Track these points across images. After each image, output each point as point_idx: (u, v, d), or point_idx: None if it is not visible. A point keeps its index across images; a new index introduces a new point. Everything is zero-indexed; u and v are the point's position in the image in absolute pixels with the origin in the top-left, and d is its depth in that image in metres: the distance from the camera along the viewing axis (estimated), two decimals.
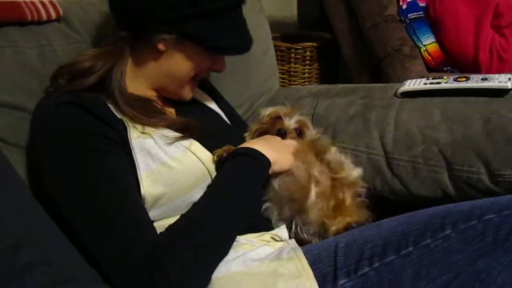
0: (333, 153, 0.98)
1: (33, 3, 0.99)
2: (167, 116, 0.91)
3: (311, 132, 1.01)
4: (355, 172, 0.97)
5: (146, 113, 0.87)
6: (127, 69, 0.91)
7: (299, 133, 1.00)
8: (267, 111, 1.04)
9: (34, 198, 0.76)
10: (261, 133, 1.00)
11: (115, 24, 0.92)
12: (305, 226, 0.90)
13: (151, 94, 0.95)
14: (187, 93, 0.97)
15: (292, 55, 1.94)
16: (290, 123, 0.99)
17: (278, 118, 1.00)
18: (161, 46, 0.88)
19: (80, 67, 0.87)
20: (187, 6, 0.84)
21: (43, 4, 1.00)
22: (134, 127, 0.84)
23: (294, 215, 0.91)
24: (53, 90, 0.86)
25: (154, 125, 0.86)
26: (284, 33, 2.10)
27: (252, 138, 1.00)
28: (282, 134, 0.97)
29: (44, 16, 1.00)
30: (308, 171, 0.92)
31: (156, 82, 0.94)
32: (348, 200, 0.93)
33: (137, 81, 0.93)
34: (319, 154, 0.97)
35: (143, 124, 0.85)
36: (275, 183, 0.91)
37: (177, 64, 0.91)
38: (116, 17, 0.92)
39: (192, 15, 0.85)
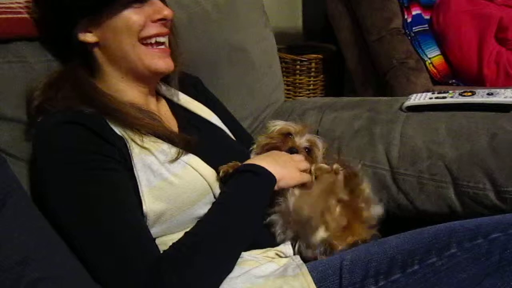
0: (366, 191, 0.95)
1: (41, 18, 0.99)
2: (160, 122, 0.90)
3: (321, 152, 1.00)
4: (377, 211, 0.95)
5: (138, 114, 0.86)
6: (96, 77, 0.90)
7: (308, 151, 0.99)
8: (276, 126, 1.03)
9: (41, 215, 0.77)
10: (270, 148, 0.98)
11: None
12: (309, 248, 0.89)
13: (138, 95, 0.93)
14: (155, 63, 0.89)
15: (298, 66, 1.95)
16: (301, 141, 0.98)
17: (288, 134, 0.99)
18: (90, 38, 0.87)
19: (47, 86, 0.88)
20: None
21: (55, 19, 1.01)
22: (134, 142, 0.84)
23: (299, 236, 0.90)
24: (51, 108, 0.86)
25: (146, 127, 0.85)
26: (289, 45, 2.11)
27: (261, 152, 0.99)
28: (294, 153, 0.96)
29: (57, 32, 1.01)
30: (323, 203, 0.89)
31: (124, 73, 0.90)
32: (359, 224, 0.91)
33: (114, 84, 0.91)
34: (353, 191, 0.94)
35: (136, 126, 0.84)
36: (283, 202, 0.90)
37: (114, 42, 0.87)
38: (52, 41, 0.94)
39: None
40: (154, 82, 0.97)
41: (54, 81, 0.88)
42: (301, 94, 1.99)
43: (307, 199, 0.90)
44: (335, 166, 0.96)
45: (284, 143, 0.97)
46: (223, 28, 1.36)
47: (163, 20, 0.88)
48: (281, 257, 0.86)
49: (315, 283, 0.77)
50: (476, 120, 1.07)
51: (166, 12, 0.88)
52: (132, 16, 0.86)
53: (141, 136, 0.84)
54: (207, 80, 1.22)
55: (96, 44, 0.88)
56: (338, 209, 0.90)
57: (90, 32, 0.87)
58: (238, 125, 1.21)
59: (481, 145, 1.02)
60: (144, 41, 0.88)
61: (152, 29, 0.88)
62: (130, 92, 0.92)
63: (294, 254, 0.88)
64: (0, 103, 0.89)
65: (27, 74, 0.94)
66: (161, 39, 0.90)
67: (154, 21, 0.88)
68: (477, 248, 0.74)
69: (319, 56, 1.95)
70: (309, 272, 0.78)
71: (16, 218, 0.70)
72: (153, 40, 0.89)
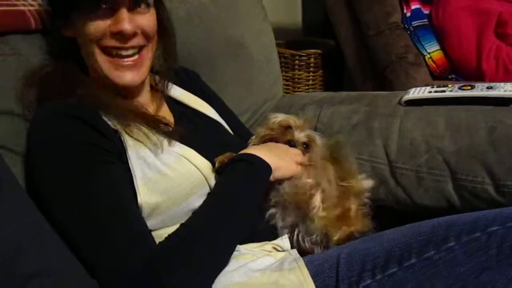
0: (350, 159, 0.97)
1: (37, 11, 0.99)
2: (148, 112, 0.89)
3: (318, 149, 1.00)
4: (366, 183, 0.96)
5: (128, 105, 0.86)
6: (89, 70, 0.90)
7: (306, 147, 0.98)
8: (277, 118, 1.02)
9: (36, 207, 0.76)
10: (269, 139, 0.98)
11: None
12: (308, 234, 0.90)
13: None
14: (117, 75, 0.85)
15: (296, 62, 1.94)
16: (300, 135, 0.98)
17: (288, 128, 0.99)
18: (68, 33, 0.87)
19: (35, 78, 0.88)
20: None
21: (47, 12, 1.01)
22: (128, 134, 0.83)
23: (298, 223, 0.90)
24: (44, 101, 0.86)
25: (138, 120, 0.85)
26: (288, 40, 2.10)
27: (259, 143, 0.99)
28: (292, 146, 0.95)
29: (49, 24, 1.00)
30: (316, 180, 0.91)
31: (96, 75, 0.88)
32: (354, 209, 0.92)
33: (101, 78, 0.89)
34: (336, 160, 0.96)
35: (131, 120, 0.84)
36: (280, 190, 0.90)
37: (81, 43, 0.86)
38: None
39: None
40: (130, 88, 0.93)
41: (48, 74, 0.87)
42: (300, 89, 1.98)
43: (300, 180, 0.91)
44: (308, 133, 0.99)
45: (282, 135, 0.97)
46: (221, 22, 1.36)
47: (121, 34, 0.83)
48: (278, 250, 0.86)
49: (312, 277, 0.76)
50: (475, 114, 1.07)
51: (123, 27, 0.82)
52: (90, 25, 0.82)
53: (133, 128, 0.84)
54: (205, 74, 1.22)
55: (75, 39, 0.87)
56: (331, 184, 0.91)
57: (69, 26, 0.86)
58: (236, 120, 1.21)
59: (480, 139, 1.01)
60: (103, 50, 0.84)
61: (110, 41, 0.83)
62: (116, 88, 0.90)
63: (292, 248, 0.88)
64: None
65: (22, 68, 0.93)
66: (123, 52, 0.85)
67: (113, 34, 0.83)
68: (475, 241, 0.74)
69: (318, 51, 1.95)
70: (306, 265, 0.78)
71: (9, 210, 0.69)
72: (113, 52, 0.85)
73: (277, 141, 0.96)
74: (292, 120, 1.00)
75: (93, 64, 0.86)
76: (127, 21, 0.82)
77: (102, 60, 0.85)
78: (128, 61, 0.86)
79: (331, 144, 0.99)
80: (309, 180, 0.90)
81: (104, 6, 0.82)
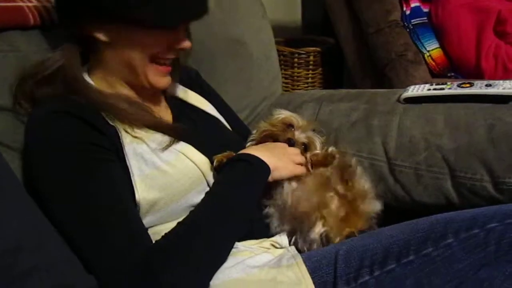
0: (362, 181, 0.95)
1: (36, 7, 0.99)
2: (151, 114, 0.89)
3: (317, 151, 0.98)
4: (375, 206, 0.94)
5: (127, 107, 0.85)
6: (93, 70, 0.89)
7: (304, 148, 0.97)
8: (281, 115, 1.02)
9: (34, 203, 0.76)
10: (269, 135, 0.98)
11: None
12: (307, 243, 0.89)
13: (132, 94, 0.92)
14: (157, 81, 0.89)
15: (296, 59, 1.94)
16: (301, 136, 0.97)
17: (290, 126, 0.98)
18: (102, 37, 0.84)
19: (33, 74, 0.86)
20: None
21: (46, 8, 1.00)
22: (126, 131, 0.83)
23: (297, 230, 0.89)
24: (42, 98, 0.85)
25: (136, 119, 0.84)
26: (287, 38, 2.10)
27: (259, 137, 0.99)
28: (291, 144, 0.95)
29: (47, 20, 1.00)
30: (320, 197, 0.89)
31: (122, 77, 0.90)
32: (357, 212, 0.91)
33: (109, 81, 0.90)
34: (346, 178, 0.93)
35: (128, 120, 0.84)
36: (280, 193, 0.90)
37: (126, 52, 0.85)
38: (60, 18, 0.90)
39: None
40: (149, 91, 0.95)
41: (48, 71, 0.86)
42: (299, 87, 1.98)
43: (303, 193, 0.90)
44: (330, 149, 0.96)
45: (283, 133, 0.96)
46: (220, 20, 1.35)
47: (182, 50, 0.89)
48: (276, 247, 0.86)
49: (310, 273, 0.76)
50: (474, 111, 1.07)
51: (186, 44, 0.88)
52: (156, 40, 0.85)
53: (132, 127, 0.84)
54: (204, 71, 1.21)
55: (106, 43, 0.85)
56: (335, 202, 0.90)
57: (105, 31, 0.83)
58: (235, 116, 1.20)
59: (479, 136, 1.01)
60: (153, 59, 0.87)
61: (167, 55, 0.88)
62: (123, 89, 0.91)
63: (290, 245, 0.87)
64: None
65: (20, 64, 0.93)
66: (167, 62, 0.90)
67: (174, 48, 0.88)
68: (474, 238, 0.74)
69: (317, 49, 1.94)
70: (304, 262, 0.78)
71: (8, 205, 0.69)
72: (161, 61, 0.88)
73: (277, 138, 0.96)
74: (295, 119, 1.00)
75: (136, 71, 0.87)
76: (187, 40, 0.88)
77: (151, 68, 0.87)
78: (169, 67, 0.91)
79: (341, 164, 0.96)
80: (313, 199, 0.89)
81: (181, 26, 0.86)
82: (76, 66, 0.87)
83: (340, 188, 0.91)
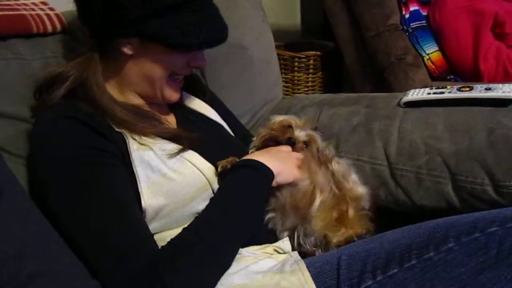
0: (337, 164, 0.98)
1: (38, 15, 1.00)
2: (160, 123, 0.91)
3: (314, 147, 1.00)
4: (361, 189, 0.97)
5: (137, 118, 0.87)
6: (108, 78, 0.90)
7: (306, 147, 0.99)
8: (279, 117, 1.03)
9: (38, 209, 0.76)
10: (268, 138, 0.99)
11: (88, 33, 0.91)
12: (307, 237, 0.90)
13: (142, 103, 0.94)
14: (170, 95, 0.94)
15: (296, 63, 1.94)
16: (300, 134, 0.98)
17: (289, 127, 1.00)
18: (126, 50, 0.86)
19: (49, 79, 0.87)
20: (140, 5, 0.82)
21: (48, 16, 1.01)
22: (133, 138, 0.84)
23: (297, 225, 0.90)
24: (48, 102, 0.86)
25: (145, 131, 0.86)
26: (287, 42, 2.10)
27: (260, 142, 1.00)
28: (292, 143, 0.96)
29: (50, 28, 1.01)
30: (312, 179, 0.91)
31: (138, 88, 0.92)
32: (351, 212, 0.92)
33: (122, 90, 0.92)
34: (323, 164, 0.96)
35: (136, 131, 0.85)
36: (279, 193, 0.90)
37: (148, 67, 0.89)
38: (84, 25, 0.91)
39: (148, 14, 0.82)
40: (159, 102, 0.98)
41: (68, 78, 0.86)
42: (299, 91, 1.98)
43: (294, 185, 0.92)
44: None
45: (282, 134, 0.97)
46: None
47: (199, 68, 0.96)
48: (279, 253, 0.86)
49: (313, 279, 0.77)
50: (474, 115, 1.07)
51: (202, 63, 0.95)
52: (177, 58, 0.90)
53: (140, 135, 0.85)
54: (205, 76, 1.22)
55: (129, 56, 0.88)
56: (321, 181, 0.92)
57: (131, 45, 0.86)
58: (237, 122, 1.21)
59: (479, 140, 1.01)
60: (171, 75, 0.92)
61: (185, 71, 0.94)
62: (134, 98, 0.93)
63: (293, 250, 0.88)
64: None
65: (24, 71, 0.94)
66: (182, 77, 0.96)
67: (191, 66, 0.93)
68: (475, 242, 0.74)
69: (317, 53, 1.95)
70: (307, 267, 0.78)
71: (12, 211, 0.70)
72: (176, 76, 0.94)
73: (277, 139, 0.97)
74: (293, 120, 1.01)
75: (154, 85, 0.91)
76: (204, 59, 0.95)
77: (167, 83, 0.92)
78: (181, 81, 0.97)
79: (317, 150, 1.00)
80: (309, 183, 0.91)
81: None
82: (98, 74, 0.88)
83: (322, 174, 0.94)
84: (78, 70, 0.87)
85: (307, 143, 0.99)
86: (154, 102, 0.96)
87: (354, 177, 0.98)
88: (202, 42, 0.87)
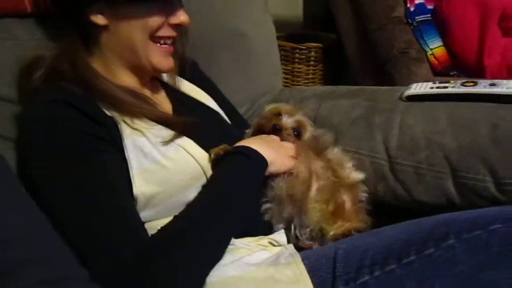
0: (334, 151, 0.97)
1: None
2: (154, 106, 0.89)
3: (309, 135, 0.99)
4: (356, 175, 0.95)
5: (129, 96, 0.85)
6: (94, 58, 0.88)
7: (297, 134, 0.97)
8: (269, 106, 1.02)
9: (28, 195, 0.75)
10: (257, 127, 0.98)
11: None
12: (303, 228, 0.89)
13: (134, 83, 0.92)
14: (159, 62, 0.89)
15: (297, 55, 1.92)
16: (288, 121, 0.97)
17: (277, 114, 0.98)
18: (99, 21, 0.84)
19: (36, 61, 0.86)
20: None
21: None
22: (125, 122, 0.82)
23: (293, 216, 0.89)
24: (37, 85, 0.84)
25: (136, 111, 0.84)
26: (288, 33, 2.08)
27: (251, 132, 0.99)
28: (277, 130, 0.94)
29: (44, 9, 0.98)
30: (308, 167, 0.90)
31: (123, 62, 0.89)
32: (348, 204, 0.91)
33: (110, 69, 0.89)
34: (320, 152, 0.95)
35: (128, 111, 0.83)
36: (275, 182, 0.89)
37: (124, 33, 0.85)
38: (57, 7, 0.90)
39: None
40: (151, 74, 0.96)
41: (52, 59, 0.86)
42: (299, 83, 1.96)
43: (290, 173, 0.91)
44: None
45: (269, 122, 0.96)
46: (221, 12, 1.34)
47: (180, 25, 0.89)
48: (274, 245, 0.85)
49: (308, 272, 0.75)
50: (477, 110, 1.05)
51: (183, 18, 0.89)
52: (153, 15, 0.85)
53: (132, 118, 0.83)
54: (204, 64, 1.20)
55: (104, 27, 0.85)
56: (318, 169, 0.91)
57: (102, 14, 0.84)
58: (234, 110, 1.20)
59: (482, 136, 1.00)
60: (154, 38, 0.87)
61: (167, 31, 0.88)
62: (125, 77, 0.90)
63: (288, 243, 0.86)
64: None
65: (18, 52, 0.92)
66: (167, 41, 0.90)
67: (170, 24, 0.88)
68: (476, 239, 0.73)
69: (318, 45, 1.92)
70: (302, 260, 0.77)
71: (0, 196, 0.68)
72: (162, 40, 0.89)
73: (264, 127, 0.95)
74: (282, 106, 1.00)
75: (137, 52, 0.87)
76: (184, 13, 0.89)
77: (152, 48, 0.88)
78: (170, 47, 0.91)
79: (314, 137, 0.99)
80: (305, 171, 0.89)
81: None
82: (84, 54, 0.87)
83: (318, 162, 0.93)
84: (64, 52, 0.85)
85: (298, 130, 0.97)
86: (145, 74, 0.93)
87: (350, 164, 0.97)
88: None
